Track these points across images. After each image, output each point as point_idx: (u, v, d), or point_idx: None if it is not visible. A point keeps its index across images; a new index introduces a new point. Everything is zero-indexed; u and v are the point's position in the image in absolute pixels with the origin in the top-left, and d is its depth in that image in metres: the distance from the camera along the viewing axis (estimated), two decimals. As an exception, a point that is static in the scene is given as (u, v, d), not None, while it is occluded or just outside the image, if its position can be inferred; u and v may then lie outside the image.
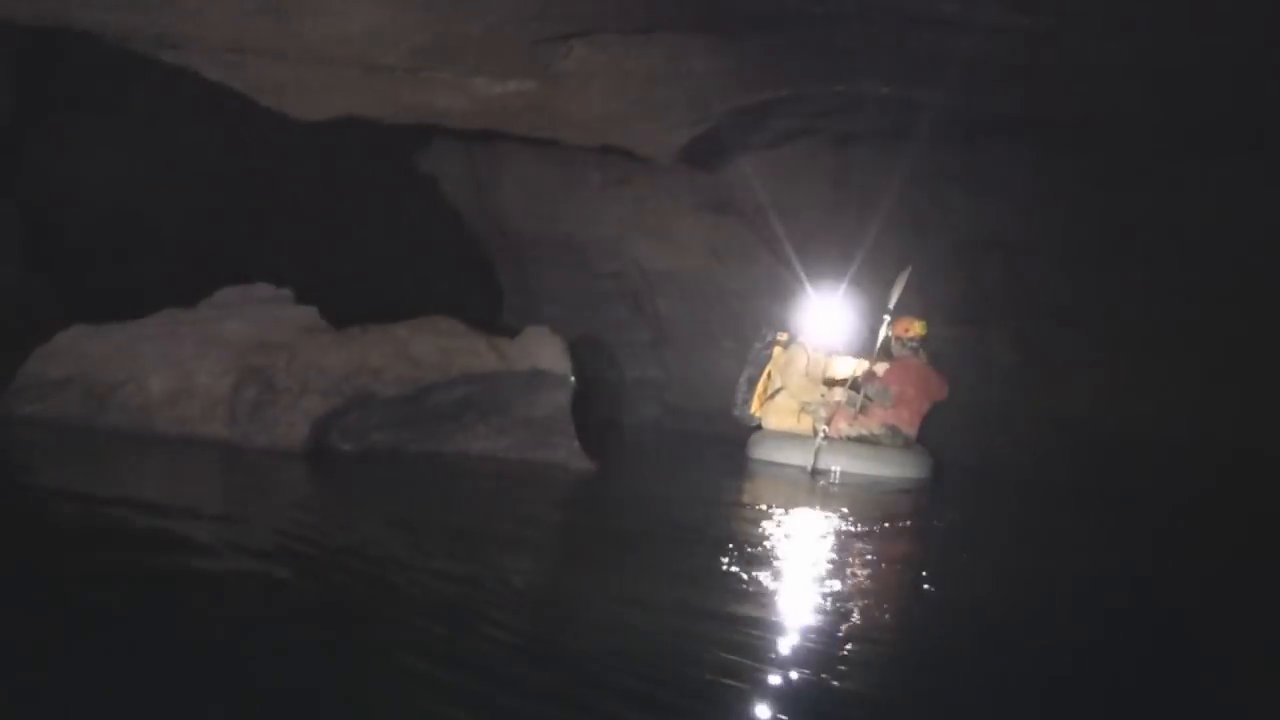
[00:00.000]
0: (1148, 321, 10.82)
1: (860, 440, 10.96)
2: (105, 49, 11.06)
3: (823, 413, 11.05)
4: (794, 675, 4.52)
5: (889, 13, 7.93)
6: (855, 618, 5.57)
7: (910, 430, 11.10)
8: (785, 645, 4.89)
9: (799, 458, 10.92)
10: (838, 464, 10.81)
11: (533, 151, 12.88)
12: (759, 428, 11.48)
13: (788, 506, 8.85)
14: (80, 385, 9.68)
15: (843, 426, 10.98)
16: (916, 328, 11.25)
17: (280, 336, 9.68)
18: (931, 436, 11.44)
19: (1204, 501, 9.68)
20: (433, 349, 9.60)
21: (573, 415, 9.99)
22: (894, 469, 10.78)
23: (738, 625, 5.09)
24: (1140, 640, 5.68)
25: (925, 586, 6.64)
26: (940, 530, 8.86)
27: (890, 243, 12.05)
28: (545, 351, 9.89)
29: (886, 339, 11.34)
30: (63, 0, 8.46)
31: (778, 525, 8.06)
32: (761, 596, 5.79)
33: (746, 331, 12.49)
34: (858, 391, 11.21)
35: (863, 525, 8.22)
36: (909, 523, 8.93)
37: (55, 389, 9.70)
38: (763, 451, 11.20)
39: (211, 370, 9.45)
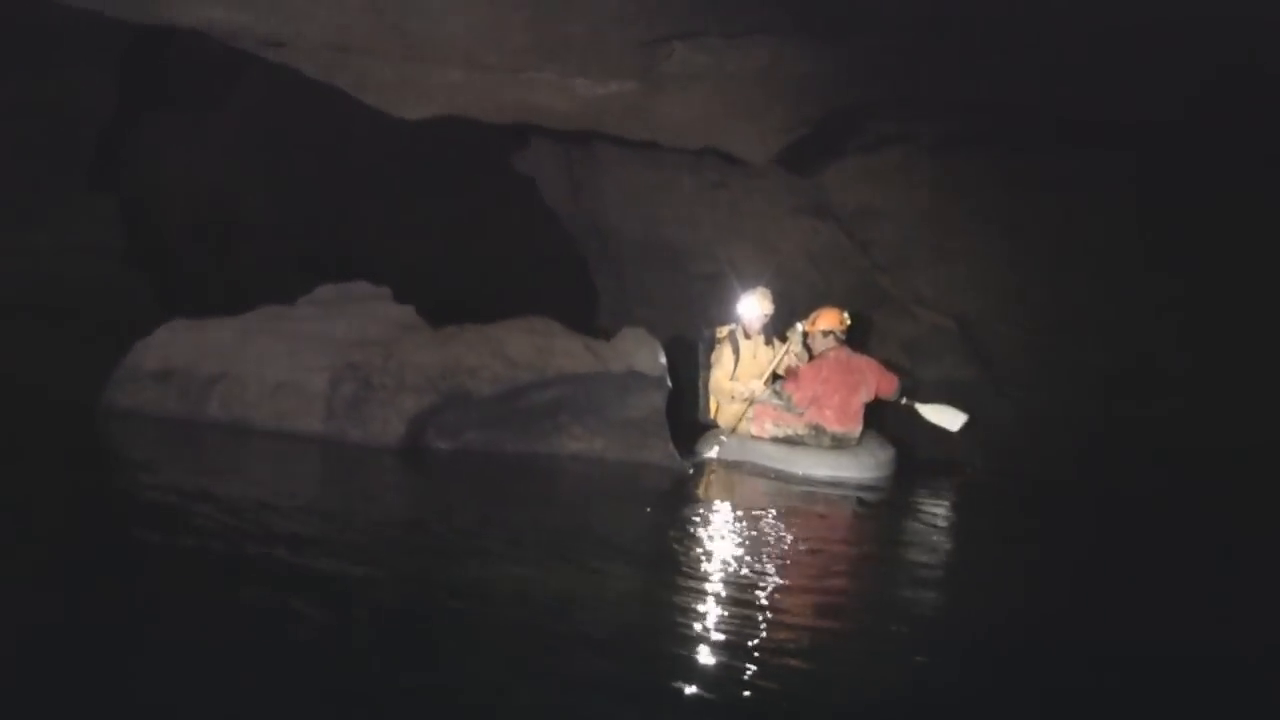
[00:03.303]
0: (1249, 329, 10.62)
1: (786, 440, 10.64)
2: (205, 46, 11.18)
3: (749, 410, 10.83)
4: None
5: (992, 16, 7.85)
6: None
7: (841, 428, 10.64)
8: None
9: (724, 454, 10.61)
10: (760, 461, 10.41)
11: (629, 153, 12.86)
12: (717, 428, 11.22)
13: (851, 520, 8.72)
14: (180, 379, 9.83)
15: (768, 425, 10.70)
16: (834, 319, 11.03)
17: (378, 334, 9.76)
18: (1015, 442, 11.27)
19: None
20: (529, 349, 9.63)
21: (668, 417, 9.97)
22: (815, 469, 10.22)
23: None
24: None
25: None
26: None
27: (987, 249, 11.94)
28: (641, 353, 9.89)
29: (803, 335, 11.22)
30: (172, -1, 8.56)
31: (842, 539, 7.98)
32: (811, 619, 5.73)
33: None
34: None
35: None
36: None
37: (155, 382, 9.85)
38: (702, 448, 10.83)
39: (310, 366, 9.55)
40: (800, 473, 10.13)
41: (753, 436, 10.65)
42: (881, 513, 9.23)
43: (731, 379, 11.02)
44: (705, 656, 4.72)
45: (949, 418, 10.94)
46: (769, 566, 6.61)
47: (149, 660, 4.24)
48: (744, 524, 7.93)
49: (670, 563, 6.47)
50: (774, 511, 8.55)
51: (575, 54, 9.16)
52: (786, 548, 7.27)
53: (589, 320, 12.18)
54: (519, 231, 18.60)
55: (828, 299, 12.44)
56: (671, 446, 9.75)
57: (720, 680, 4.49)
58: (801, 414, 10.54)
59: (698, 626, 5.15)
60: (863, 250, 12.65)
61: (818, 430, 10.52)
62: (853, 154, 11.82)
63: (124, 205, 15.02)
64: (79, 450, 8.69)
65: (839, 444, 10.54)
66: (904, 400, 11.05)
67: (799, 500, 9.14)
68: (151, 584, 5.19)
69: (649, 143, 11.25)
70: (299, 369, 9.57)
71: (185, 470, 8.16)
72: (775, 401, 10.72)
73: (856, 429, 10.70)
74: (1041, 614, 6.06)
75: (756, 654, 4.79)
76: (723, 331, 11.31)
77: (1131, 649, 5.52)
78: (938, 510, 9.37)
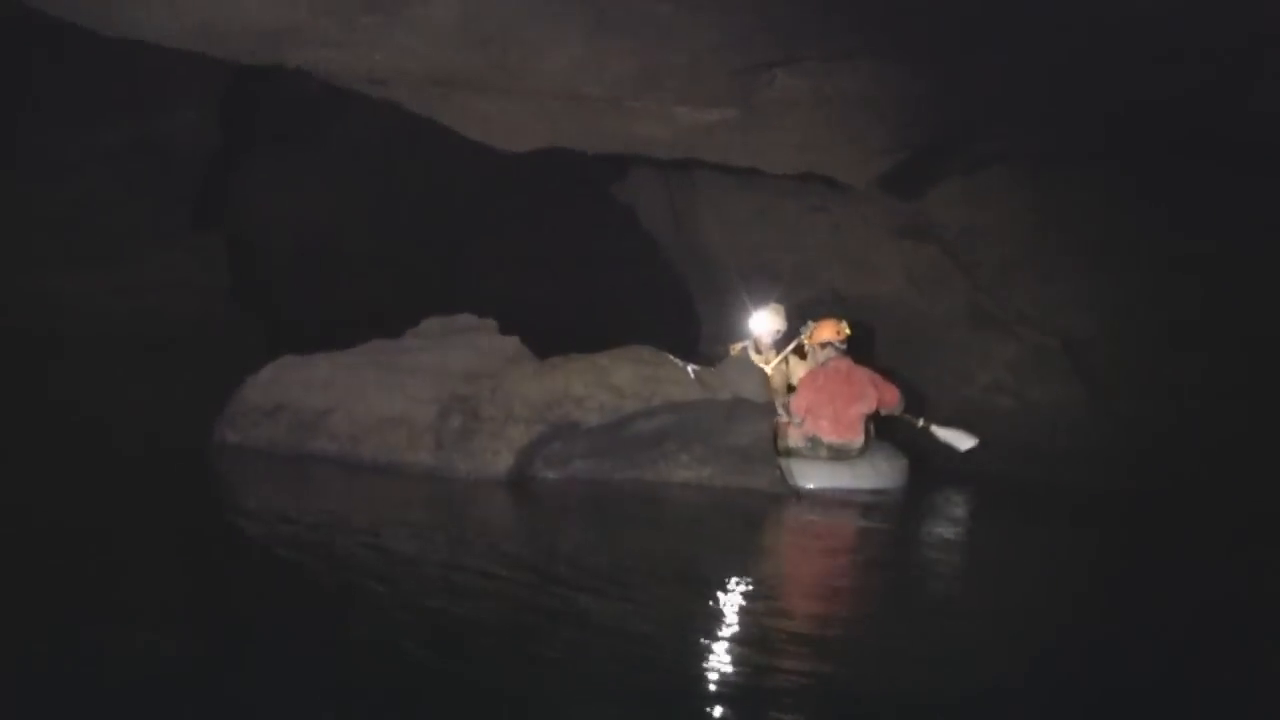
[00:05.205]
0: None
1: (785, 453, 10.25)
2: (305, 84, 11.30)
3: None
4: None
5: (1095, 29, 7.79)
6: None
7: (838, 439, 10.32)
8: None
9: None
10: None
11: (729, 179, 12.88)
12: None
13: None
14: (289, 414, 9.93)
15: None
16: (831, 330, 10.90)
17: (484, 366, 9.80)
18: (1118, 458, 11.07)
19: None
20: (634, 378, 9.63)
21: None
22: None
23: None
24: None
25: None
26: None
27: (1091, 267, 11.82)
28: (746, 380, 9.87)
29: (799, 347, 11.13)
30: (279, 39, 8.64)
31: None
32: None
33: (945, 358, 12.36)
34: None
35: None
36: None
37: (265, 417, 9.96)
38: None
39: (417, 399, 9.61)
40: (795, 485, 9.91)
41: None
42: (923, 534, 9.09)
43: None
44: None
45: (960, 439, 10.74)
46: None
47: (256, 691, 4.28)
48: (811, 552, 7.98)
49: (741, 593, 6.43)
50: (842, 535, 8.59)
51: (676, 83, 9.16)
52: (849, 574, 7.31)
53: (692, 347, 12.18)
54: (621, 260, 18.67)
55: (929, 321, 12.40)
56: (779, 472, 9.68)
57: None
58: (800, 424, 10.38)
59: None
60: (965, 271, 12.57)
61: (814, 441, 10.32)
62: (954, 175, 11.77)
63: (229, 242, 15.24)
64: (191, 485, 8.81)
65: (837, 455, 10.29)
66: (920, 422, 10.85)
67: (846, 518, 9.12)
68: (265, 613, 5.23)
69: (749, 169, 11.25)
70: (407, 402, 9.63)
71: (296, 503, 8.23)
72: (779, 415, 10.57)
73: (855, 439, 10.41)
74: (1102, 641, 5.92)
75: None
76: (735, 348, 11.26)
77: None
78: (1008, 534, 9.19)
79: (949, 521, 9.53)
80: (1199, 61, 8.11)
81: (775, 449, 10.01)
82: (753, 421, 9.74)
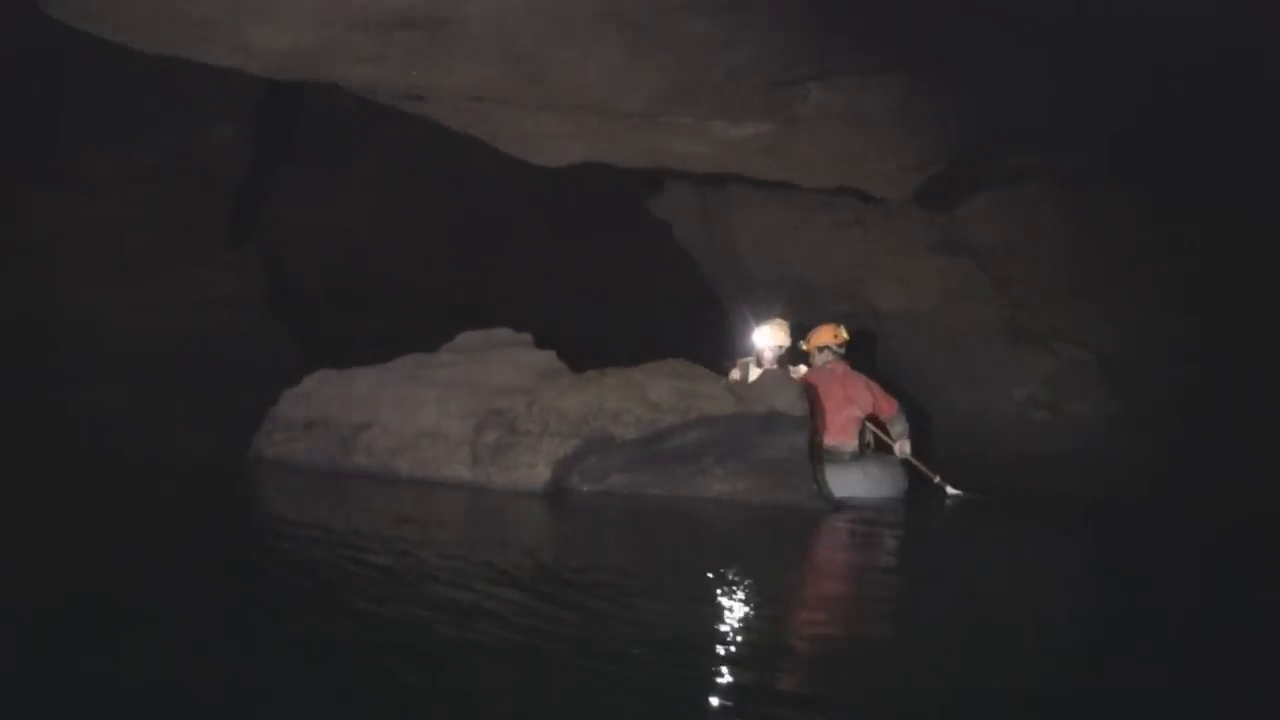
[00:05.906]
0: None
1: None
2: (339, 100, 11.32)
3: None
4: None
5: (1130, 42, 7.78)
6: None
7: (829, 440, 10.35)
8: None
9: None
10: None
11: (764, 194, 12.86)
12: None
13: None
14: (326, 428, 9.93)
15: None
16: (828, 335, 10.91)
17: (520, 380, 9.79)
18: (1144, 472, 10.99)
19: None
20: (670, 392, 9.59)
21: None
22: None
23: None
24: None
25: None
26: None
27: (1127, 281, 11.79)
28: (781, 394, 9.82)
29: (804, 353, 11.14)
30: (315, 56, 8.69)
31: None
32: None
33: (981, 373, 12.34)
34: None
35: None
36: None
37: (302, 432, 9.97)
38: None
39: (454, 413, 9.60)
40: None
41: None
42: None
43: None
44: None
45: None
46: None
47: (265, 704, 4.27)
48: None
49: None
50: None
51: (711, 98, 9.19)
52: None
53: (728, 361, 12.18)
54: (656, 274, 18.67)
55: (965, 336, 12.37)
56: (815, 486, 9.65)
57: None
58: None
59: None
60: (999, 286, 12.54)
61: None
62: (989, 189, 11.75)
63: (264, 258, 15.29)
64: (226, 500, 8.82)
65: (829, 458, 10.28)
66: (938, 479, 10.72)
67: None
68: (299, 629, 5.22)
69: (784, 183, 11.24)
70: (443, 416, 9.63)
71: (330, 518, 8.21)
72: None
73: (848, 443, 10.48)
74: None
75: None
76: (741, 362, 11.25)
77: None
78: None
79: (972, 533, 9.50)
80: (1232, 71, 8.09)
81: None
82: (788, 435, 9.70)
